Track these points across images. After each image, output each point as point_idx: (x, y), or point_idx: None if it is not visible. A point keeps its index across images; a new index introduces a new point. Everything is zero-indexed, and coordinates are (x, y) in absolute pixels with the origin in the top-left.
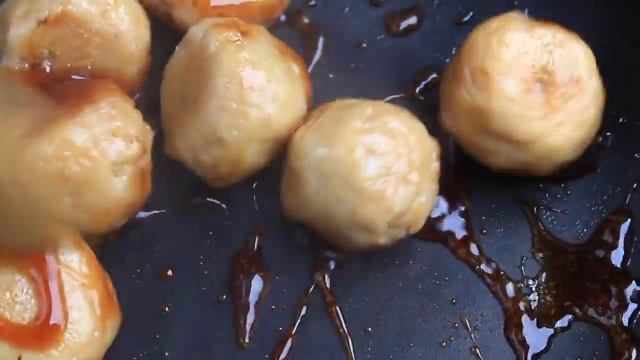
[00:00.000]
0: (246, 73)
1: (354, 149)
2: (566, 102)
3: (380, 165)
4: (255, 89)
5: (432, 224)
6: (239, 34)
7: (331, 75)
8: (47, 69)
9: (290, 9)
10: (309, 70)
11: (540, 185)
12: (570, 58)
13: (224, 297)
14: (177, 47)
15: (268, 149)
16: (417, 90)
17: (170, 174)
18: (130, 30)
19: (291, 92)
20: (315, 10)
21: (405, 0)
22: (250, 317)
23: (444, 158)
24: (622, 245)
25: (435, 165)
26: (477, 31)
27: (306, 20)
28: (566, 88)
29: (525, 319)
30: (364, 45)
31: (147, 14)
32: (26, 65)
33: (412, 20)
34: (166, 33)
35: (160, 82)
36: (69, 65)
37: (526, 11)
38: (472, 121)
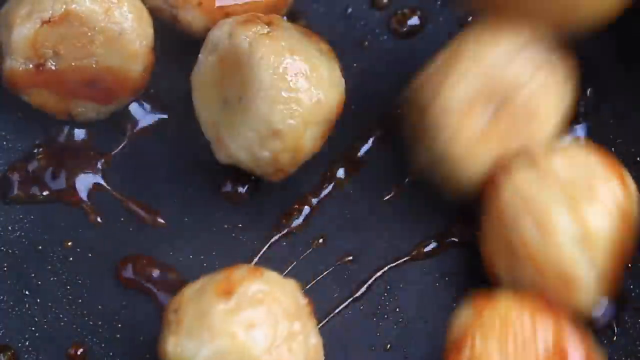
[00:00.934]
0: (289, 60)
1: (235, 333)
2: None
3: (266, 334)
4: (301, 73)
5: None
6: (266, 26)
7: None
8: (52, 69)
9: (292, 9)
10: None
11: None
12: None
13: None
14: (200, 56)
15: (322, 131)
16: None
17: None
18: (133, 27)
19: (331, 70)
20: (318, 10)
21: (408, 2)
22: None
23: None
24: None
25: (305, 301)
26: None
27: (308, 20)
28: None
29: None
30: (366, 45)
31: (152, 15)
32: (30, 65)
33: (415, 21)
34: (169, 31)
35: (168, 83)
36: (73, 64)
37: None
38: None
